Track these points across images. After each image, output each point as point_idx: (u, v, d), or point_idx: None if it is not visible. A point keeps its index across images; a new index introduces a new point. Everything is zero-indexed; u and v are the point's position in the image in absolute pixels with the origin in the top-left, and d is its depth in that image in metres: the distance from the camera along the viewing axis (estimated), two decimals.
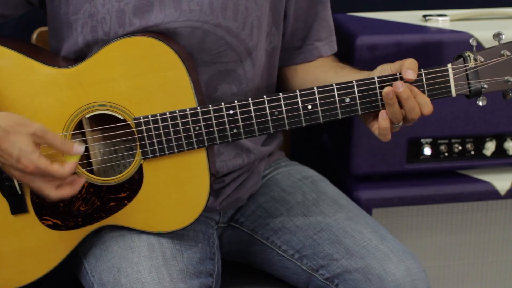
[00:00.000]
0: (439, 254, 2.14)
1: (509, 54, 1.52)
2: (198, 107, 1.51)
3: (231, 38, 1.62)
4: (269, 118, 1.53)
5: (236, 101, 1.52)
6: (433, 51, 1.96)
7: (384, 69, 1.55)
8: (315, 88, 1.52)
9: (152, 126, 1.52)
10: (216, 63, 1.63)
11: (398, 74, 1.52)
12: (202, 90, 1.59)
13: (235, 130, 1.53)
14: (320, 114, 1.53)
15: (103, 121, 1.56)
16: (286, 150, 2.11)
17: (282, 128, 1.53)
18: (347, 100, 1.53)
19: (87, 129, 1.59)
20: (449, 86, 1.54)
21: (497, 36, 1.53)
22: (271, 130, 1.53)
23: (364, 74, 1.59)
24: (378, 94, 1.53)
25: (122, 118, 1.53)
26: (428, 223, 2.11)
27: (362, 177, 2.08)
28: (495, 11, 2.16)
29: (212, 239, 1.73)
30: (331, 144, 2.27)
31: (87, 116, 1.54)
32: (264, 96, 1.52)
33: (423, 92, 1.52)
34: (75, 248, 1.61)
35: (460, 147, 2.07)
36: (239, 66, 1.66)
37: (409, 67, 1.51)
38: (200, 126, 1.52)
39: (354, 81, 1.52)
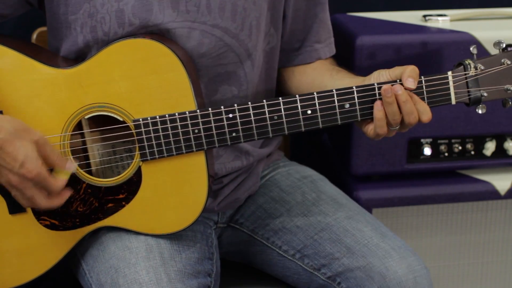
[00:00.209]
0: (439, 254, 2.14)
1: (509, 62, 1.52)
2: (198, 111, 1.51)
3: (230, 39, 1.62)
4: (268, 122, 1.52)
5: (235, 105, 1.52)
6: (433, 51, 1.96)
7: (382, 75, 1.55)
8: (314, 93, 1.52)
9: (151, 128, 1.52)
10: (216, 65, 1.63)
11: (398, 81, 1.52)
12: (202, 92, 1.59)
13: (234, 134, 1.53)
14: (320, 119, 1.53)
15: (102, 122, 1.56)
16: (286, 150, 2.11)
17: (281, 133, 1.53)
18: (347, 105, 1.53)
19: (86, 130, 1.59)
20: (449, 94, 1.54)
21: (497, 44, 1.53)
22: (270, 135, 1.53)
23: (359, 79, 1.59)
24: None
25: (121, 119, 1.53)
26: (428, 223, 2.11)
27: (362, 177, 2.08)
28: (495, 11, 2.15)
29: (211, 239, 1.73)
30: (331, 144, 2.27)
31: (86, 117, 1.54)
32: (264, 101, 1.52)
33: (423, 99, 1.52)
34: (72, 248, 1.61)
35: (460, 147, 2.06)
36: (239, 68, 1.66)
37: (410, 75, 1.51)
38: (199, 130, 1.52)
39: (354, 87, 1.52)
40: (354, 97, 1.52)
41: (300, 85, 1.77)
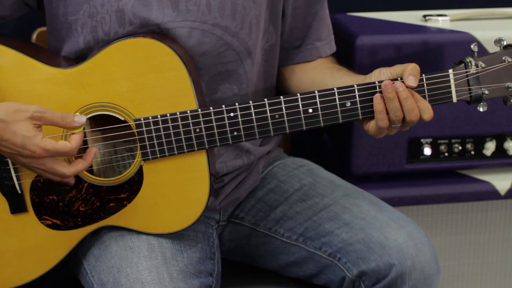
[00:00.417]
0: (439, 254, 2.13)
1: (510, 60, 1.52)
2: (199, 109, 1.51)
3: (230, 37, 1.62)
4: (269, 121, 1.53)
5: (237, 104, 1.52)
6: (433, 51, 1.96)
7: (382, 73, 1.55)
8: (316, 91, 1.52)
9: (152, 127, 1.52)
10: (216, 64, 1.63)
11: (399, 79, 1.52)
12: (203, 91, 1.59)
13: (235, 133, 1.53)
14: (321, 118, 1.53)
15: (103, 122, 1.56)
16: (286, 149, 2.11)
17: (282, 132, 1.53)
18: (348, 104, 1.53)
19: (87, 129, 1.59)
20: (450, 92, 1.54)
21: (498, 42, 1.53)
22: (272, 133, 1.53)
23: (360, 78, 1.60)
24: None
25: (122, 119, 1.53)
26: (428, 223, 2.11)
27: (362, 177, 2.08)
28: (495, 11, 2.16)
29: (212, 238, 1.73)
30: (331, 144, 2.27)
31: (87, 116, 1.54)
32: (265, 99, 1.52)
33: (424, 97, 1.53)
34: (74, 248, 1.61)
35: (460, 147, 2.07)
36: (240, 66, 1.66)
37: (411, 73, 1.51)
38: (200, 128, 1.52)
39: (355, 85, 1.52)
40: (355, 95, 1.52)
41: (300, 84, 1.77)
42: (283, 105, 1.52)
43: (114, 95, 1.52)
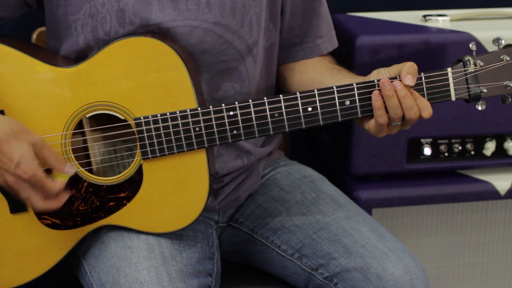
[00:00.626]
0: (439, 254, 2.14)
1: (508, 59, 1.52)
2: (199, 108, 1.51)
3: (231, 35, 1.62)
4: (269, 119, 1.53)
5: (236, 103, 1.52)
6: (433, 51, 1.96)
7: (381, 73, 1.55)
8: (315, 90, 1.52)
9: (152, 126, 1.52)
10: (218, 62, 1.63)
11: (398, 78, 1.52)
12: (202, 91, 1.59)
13: (235, 132, 1.53)
14: (320, 117, 1.53)
15: (103, 121, 1.56)
16: (286, 150, 2.11)
17: (282, 130, 1.53)
18: (347, 102, 1.53)
19: (87, 128, 1.59)
20: (449, 90, 1.54)
21: (496, 41, 1.53)
22: (271, 132, 1.53)
23: (360, 79, 1.60)
24: None
25: (122, 118, 1.53)
26: (428, 223, 2.11)
27: (362, 177, 2.08)
28: (495, 11, 2.16)
29: (212, 238, 1.73)
30: (331, 144, 2.27)
31: (87, 115, 1.54)
32: (265, 98, 1.52)
33: (423, 95, 1.53)
34: (73, 248, 1.61)
35: (460, 147, 2.06)
36: (241, 64, 1.67)
37: (408, 72, 1.51)
38: (200, 127, 1.52)
39: (354, 84, 1.52)
40: (354, 94, 1.52)
41: (300, 85, 1.77)
42: (282, 104, 1.52)
43: (114, 94, 1.52)
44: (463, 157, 2.08)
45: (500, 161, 2.10)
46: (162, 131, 1.52)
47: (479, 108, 1.56)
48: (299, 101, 1.52)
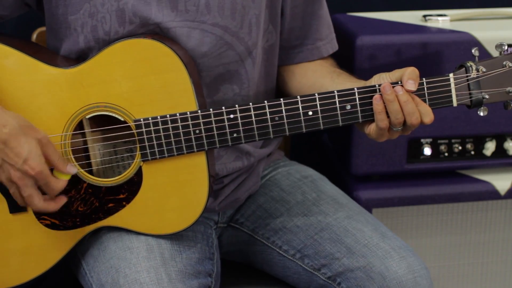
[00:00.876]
0: (439, 254, 2.14)
1: (511, 65, 1.52)
2: (199, 111, 1.51)
3: (230, 37, 1.62)
4: (269, 123, 1.52)
5: (237, 106, 1.51)
6: (433, 51, 1.96)
7: (382, 78, 1.54)
8: (316, 94, 1.52)
9: (152, 128, 1.52)
10: (218, 65, 1.63)
11: (399, 83, 1.52)
12: (203, 92, 1.59)
13: (235, 135, 1.53)
14: (321, 121, 1.53)
15: (103, 122, 1.56)
16: (286, 150, 2.11)
17: (282, 134, 1.53)
18: (348, 107, 1.53)
19: (87, 129, 1.59)
20: (451, 96, 1.54)
21: (499, 46, 1.52)
22: (271, 135, 1.53)
23: (361, 83, 1.59)
24: None
25: (122, 119, 1.53)
26: (428, 223, 2.11)
27: (362, 177, 2.08)
28: (495, 11, 2.16)
29: (211, 239, 1.73)
30: (331, 144, 2.27)
31: (87, 116, 1.54)
32: (265, 101, 1.52)
33: (424, 101, 1.52)
34: (73, 248, 1.61)
35: (460, 147, 2.06)
36: (240, 66, 1.66)
37: (410, 77, 1.50)
38: (200, 130, 1.52)
39: (355, 89, 1.52)
40: (355, 98, 1.52)
41: (301, 88, 1.76)
42: (283, 107, 1.52)
43: (114, 96, 1.52)
44: (463, 157, 2.08)
45: (500, 161, 2.10)
46: (162, 133, 1.52)
47: (481, 113, 1.56)
48: (300, 105, 1.52)
